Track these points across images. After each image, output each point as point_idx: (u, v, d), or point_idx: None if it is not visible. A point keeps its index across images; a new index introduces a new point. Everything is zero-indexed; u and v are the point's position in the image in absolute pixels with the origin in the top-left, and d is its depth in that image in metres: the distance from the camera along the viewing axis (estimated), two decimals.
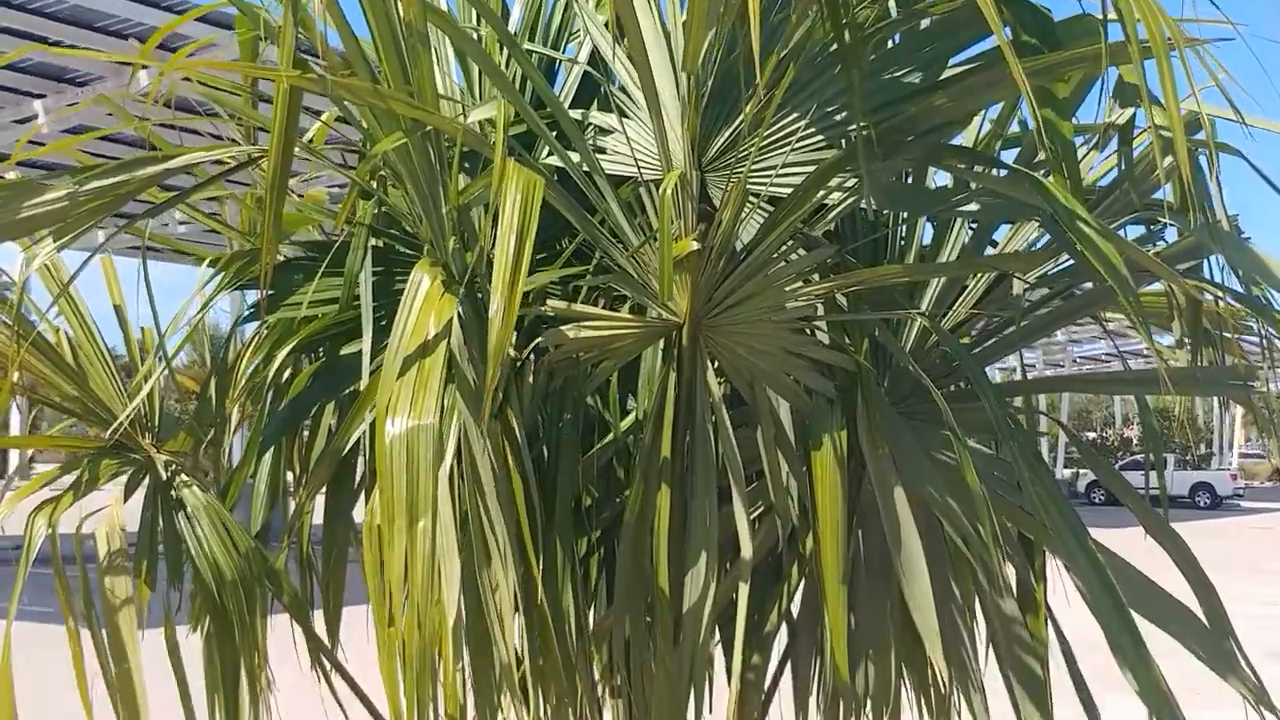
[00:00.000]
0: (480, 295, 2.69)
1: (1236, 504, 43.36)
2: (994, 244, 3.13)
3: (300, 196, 3.48)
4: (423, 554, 2.25)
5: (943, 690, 2.76)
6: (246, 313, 3.12)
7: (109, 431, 2.82)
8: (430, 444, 2.14)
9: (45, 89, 15.68)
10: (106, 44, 14.31)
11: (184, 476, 2.84)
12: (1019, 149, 3.02)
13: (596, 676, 3.19)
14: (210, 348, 3.32)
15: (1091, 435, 53.14)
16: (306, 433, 3.29)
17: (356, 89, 2.47)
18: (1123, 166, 2.78)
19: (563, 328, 2.66)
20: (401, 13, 2.48)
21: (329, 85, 2.43)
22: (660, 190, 2.49)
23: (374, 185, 3.08)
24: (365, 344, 2.74)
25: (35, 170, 18.46)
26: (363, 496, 3.13)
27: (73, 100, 15.25)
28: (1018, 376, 3.18)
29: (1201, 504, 42.16)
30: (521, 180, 2.35)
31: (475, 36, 3.20)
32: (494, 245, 2.98)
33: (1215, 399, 3.22)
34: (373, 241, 2.93)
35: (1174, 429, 39.06)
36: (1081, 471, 39.61)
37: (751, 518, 2.76)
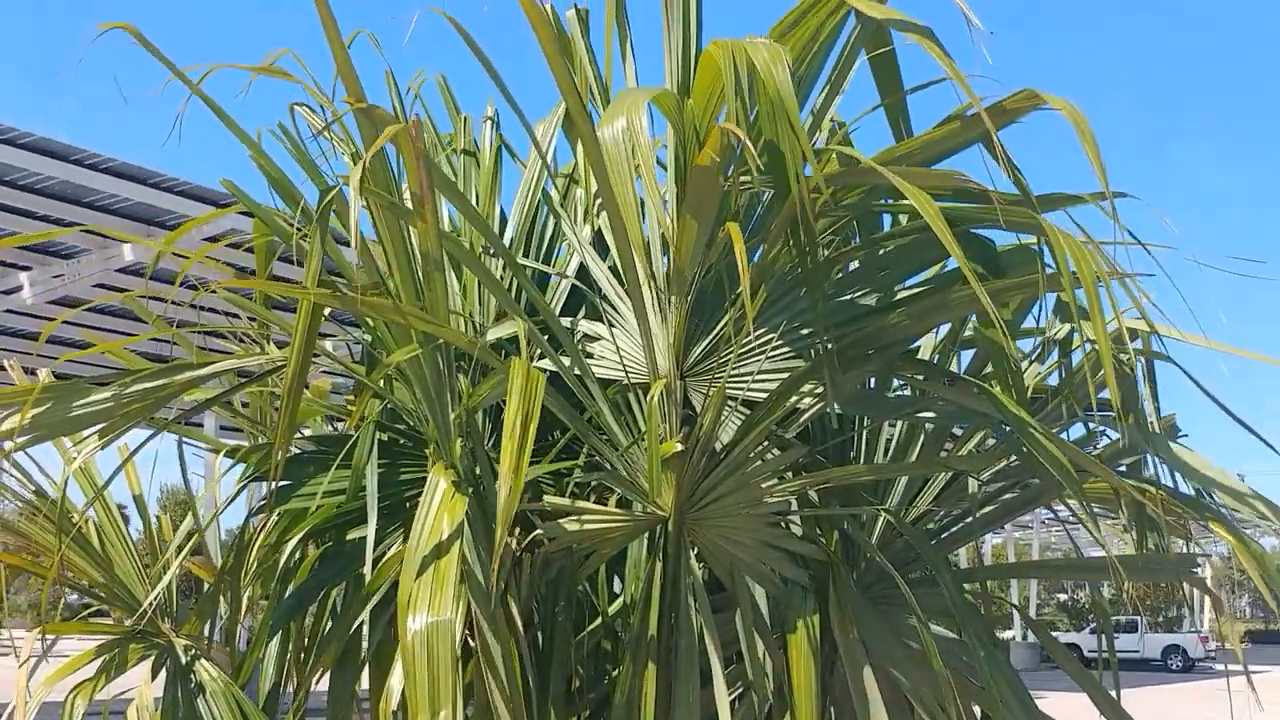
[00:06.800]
0: (484, 489, 2.93)
1: (1210, 666, 43.24)
2: (954, 437, 3.40)
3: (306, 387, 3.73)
4: None
5: None
6: (259, 504, 3.34)
7: (134, 618, 3.03)
8: (448, 638, 2.35)
9: (31, 260, 15.97)
10: (91, 218, 14.64)
11: (203, 661, 3.04)
12: (974, 351, 3.31)
13: None
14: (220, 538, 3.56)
15: (1063, 596, 53.11)
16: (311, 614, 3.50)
17: (378, 306, 2.74)
18: (1062, 375, 3.08)
19: (560, 521, 2.90)
20: (417, 242, 2.76)
21: (354, 303, 2.70)
22: (648, 399, 2.76)
23: (381, 383, 3.34)
24: (370, 531, 2.97)
25: (16, 339, 18.51)
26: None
27: (58, 273, 15.54)
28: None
29: (1174, 667, 42.02)
30: (524, 375, 2.59)
31: (467, 243, 3.49)
32: (493, 443, 3.25)
33: None
34: (378, 435, 3.18)
35: (1144, 591, 39.22)
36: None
37: (731, 697, 2.98)
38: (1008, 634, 33.50)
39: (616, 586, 3.42)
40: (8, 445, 2.68)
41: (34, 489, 3.21)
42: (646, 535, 3.06)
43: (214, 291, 3.28)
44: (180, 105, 2.81)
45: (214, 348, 3.42)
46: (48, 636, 3.17)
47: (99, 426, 2.76)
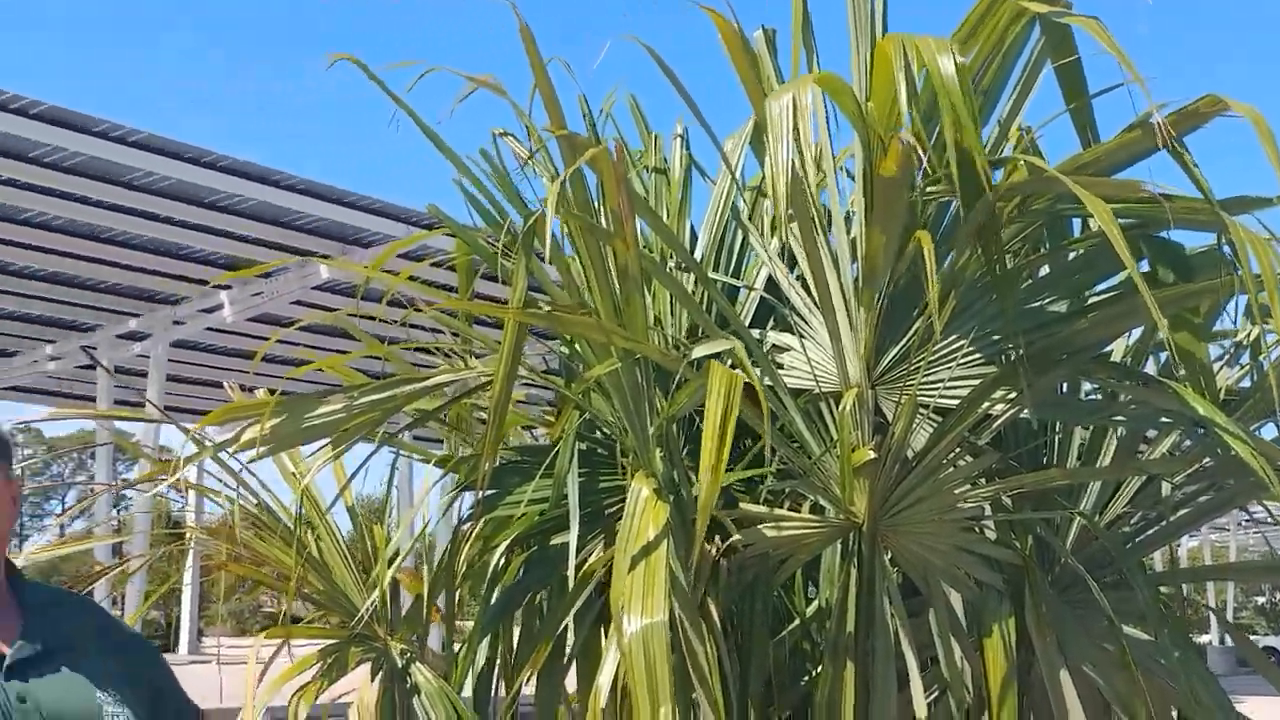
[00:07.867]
0: (682, 497, 3.04)
1: None
2: (1147, 441, 3.40)
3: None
4: None
5: None
6: (468, 513, 3.51)
7: (353, 622, 3.22)
8: (661, 638, 2.46)
9: (231, 279, 16.64)
10: (287, 236, 15.18)
11: (418, 664, 3.22)
12: (1165, 354, 3.31)
13: None
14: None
15: (1261, 600, 51.27)
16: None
17: (580, 324, 2.87)
18: (1254, 378, 3.06)
19: (757, 527, 2.99)
20: (616, 259, 2.88)
21: (558, 322, 2.84)
22: (840, 408, 2.84)
23: (581, 396, 3.47)
24: (572, 537, 3.10)
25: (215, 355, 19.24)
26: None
27: (257, 290, 16.17)
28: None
29: None
30: (722, 376, 2.69)
31: (657, 258, 3.60)
32: (688, 453, 3.36)
33: None
34: (578, 446, 3.31)
35: None
36: None
37: (929, 699, 3.03)
38: (1204, 638, 32.51)
39: (810, 590, 3.50)
40: (245, 456, 2.88)
41: (257, 502, 3.42)
42: (840, 541, 3.13)
43: (420, 310, 3.47)
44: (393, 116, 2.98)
45: (419, 362, 3.60)
46: (267, 642, 3.37)
47: (328, 439, 2.95)
